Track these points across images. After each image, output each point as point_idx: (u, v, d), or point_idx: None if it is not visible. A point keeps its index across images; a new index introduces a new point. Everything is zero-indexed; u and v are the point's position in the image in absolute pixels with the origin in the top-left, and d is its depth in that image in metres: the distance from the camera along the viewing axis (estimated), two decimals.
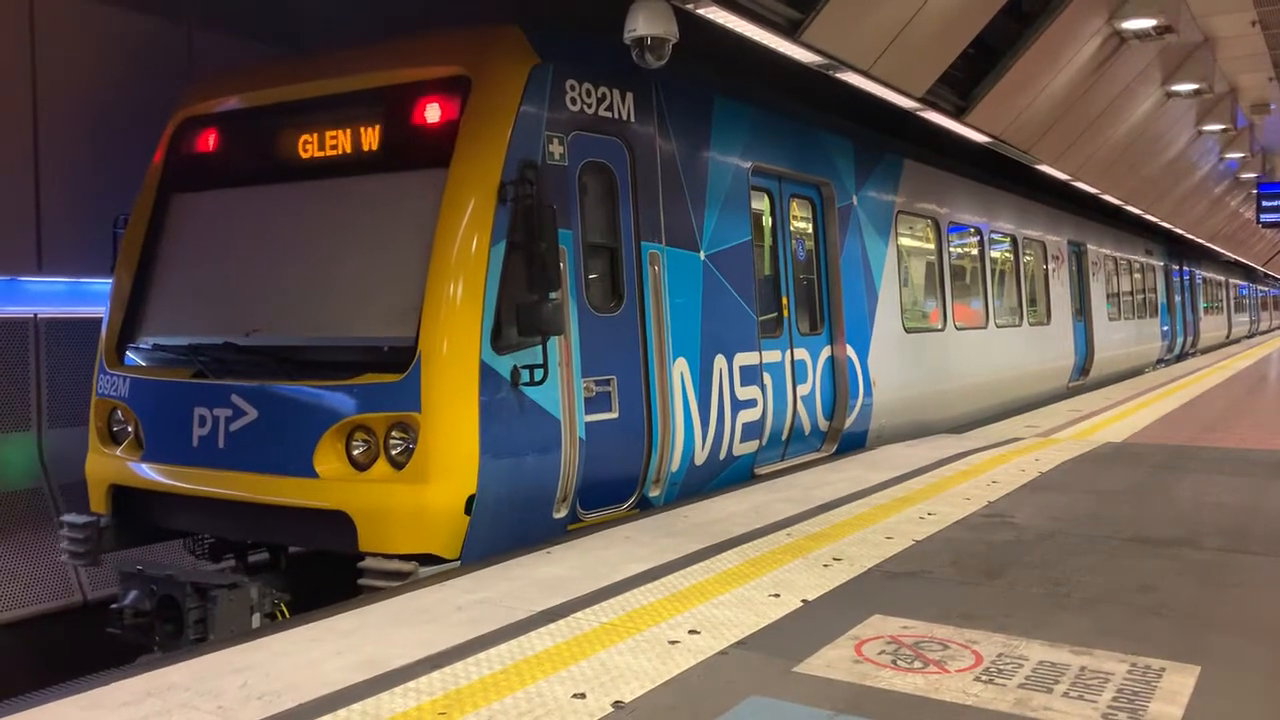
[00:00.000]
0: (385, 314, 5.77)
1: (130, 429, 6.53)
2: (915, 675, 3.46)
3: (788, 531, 5.68)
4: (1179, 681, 3.38)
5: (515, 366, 5.67)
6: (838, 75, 9.21)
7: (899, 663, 3.58)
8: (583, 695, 3.28)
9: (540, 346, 5.78)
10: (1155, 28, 12.27)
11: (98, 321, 8.07)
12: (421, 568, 5.23)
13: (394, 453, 5.48)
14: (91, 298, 8.26)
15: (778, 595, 4.41)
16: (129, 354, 6.75)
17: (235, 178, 6.74)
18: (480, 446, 5.45)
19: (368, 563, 5.33)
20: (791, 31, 7.90)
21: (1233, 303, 38.27)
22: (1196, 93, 15.79)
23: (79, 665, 6.06)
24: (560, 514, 6.03)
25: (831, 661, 3.60)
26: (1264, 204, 20.73)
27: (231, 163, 6.79)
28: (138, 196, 7.04)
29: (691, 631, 3.92)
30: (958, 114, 11.67)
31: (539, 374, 5.72)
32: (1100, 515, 6.16)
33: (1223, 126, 18.97)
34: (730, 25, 7.36)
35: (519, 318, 5.59)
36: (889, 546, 5.31)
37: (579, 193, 6.30)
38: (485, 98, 5.80)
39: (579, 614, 4.15)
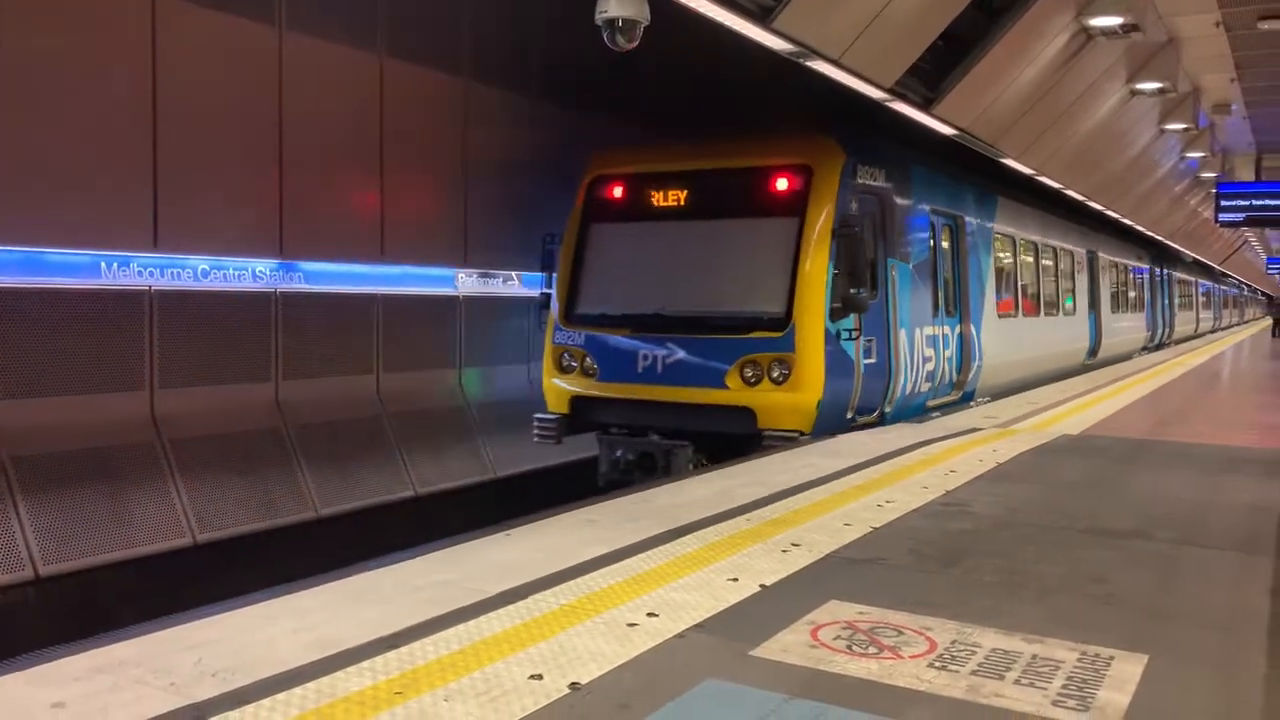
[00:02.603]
0: (764, 297, 9.67)
1: (576, 363, 10.31)
2: (869, 660, 3.49)
3: (748, 517, 5.71)
4: (1127, 670, 3.44)
5: (839, 330, 9.56)
6: (808, 64, 9.22)
7: (854, 648, 3.61)
8: (540, 676, 3.28)
9: (853, 318, 9.64)
10: (1122, 26, 12.39)
11: (53, 292, 8.08)
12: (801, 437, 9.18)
13: (773, 375, 9.36)
14: (50, 269, 8.10)
15: (736, 579, 4.44)
16: (577, 316, 10.47)
17: (642, 215, 10.48)
18: (824, 373, 9.35)
19: (768, 434, 9.24)
20: (763, 18, 7.90)
21: (1200, 301, 41.19)
22: (1160, 91, 15.96)
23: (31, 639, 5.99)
24: (849, 416, 9.92)
25: (788, 646, 3.62)
26: (1222, 203, 21.03)
27: (638, 205, 10.50)
28: (566, 226, 10.81)
29: (650, 614, 3.94)
30: (926, 106, 11.73)
31: (852, 334, 9.68)
32: (1056, 506, 6.25)
33: (1185, 126, 19.22)
34: (701, 10, 7.34)
35: (844, 302, 9.54)
36: (847, 533, 5.36)
37: (861, 230, 9.93)
38: (822, 179, 9.75)
39: (538, 596, 4.15)
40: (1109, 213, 22.45)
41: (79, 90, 8.12)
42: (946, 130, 12.87)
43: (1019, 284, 15.39)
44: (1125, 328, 23.53)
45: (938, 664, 3.47)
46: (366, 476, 10.36)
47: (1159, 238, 28.49)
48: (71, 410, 8.10)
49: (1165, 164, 23.05)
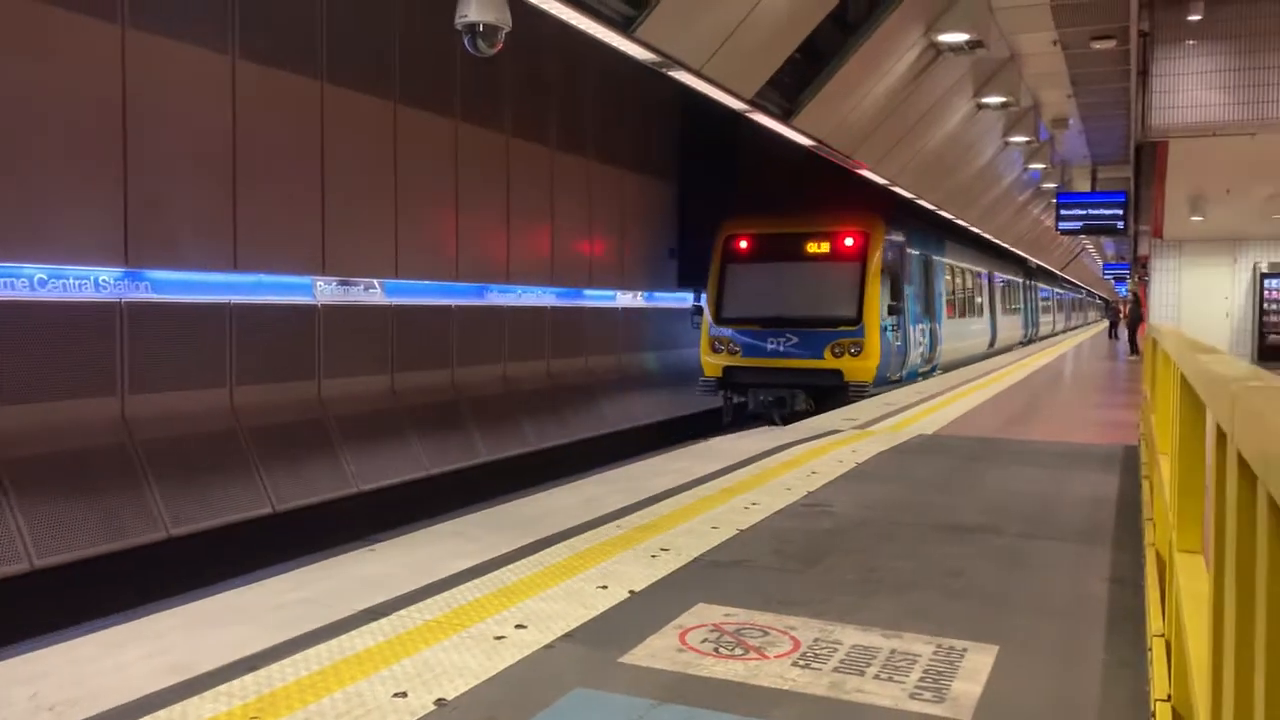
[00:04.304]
0: (845, 307, 15.79)
1: (724, 347, 16.33)
2: (736, 662, 3.55)
3: (618, 524, 5.73)
4: (979, 661, 3.59)
5: (886, 326, 15.91)
6: (670, 74, 9.33)
7: (721, 650, 3.66)
8: (404, 694, 3.22)
9: (892, 319, 16.16)
10: (968, 42, 12.97)
11: None
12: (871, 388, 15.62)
13: (852, 351, 15.56)
14: None
15: (606, 587, 4.45)
16: (724, 318, 16.54)
17: (764, 257, 16.62)
18: (880, 351, 15.71)
19: (851, 385, 15.40)
20: (625, 27, 7.96)
21: (1055, 305, 48.54)
22: (1004, 105, 16.79)
23: None
24: (889, 375, 16.25)
25: (656, 651, 3.65)
26: (1062, 213, 22.18)
27: (761, 250, 16.70)
28: (710, 266, 17.01)
29: (518, 626, 3.90)
30: (785, 117, 12.01)
31: (893, 328, 16.26)
32: (912, 504, 6.47)
33: (1027, 139, 20.26)
34: (563, 17, 7.34)
35: (890, 309, 16.03)
36: (714, 536, 5.43)
37: (895, 268, 16.50)
38: (874, 238, 16.09)
39: (402, 612, 4.07)
40: (959, 221, 23.59)
41: None
42: (805, 141, 13.20)
43: (955, 296, 22.10)
44: (1010, 325, 31.33)
45: (801, 663, 3.55)
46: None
47: (1007, 245, 30.35)
48: None
49: (1010, 174, 24.22)
